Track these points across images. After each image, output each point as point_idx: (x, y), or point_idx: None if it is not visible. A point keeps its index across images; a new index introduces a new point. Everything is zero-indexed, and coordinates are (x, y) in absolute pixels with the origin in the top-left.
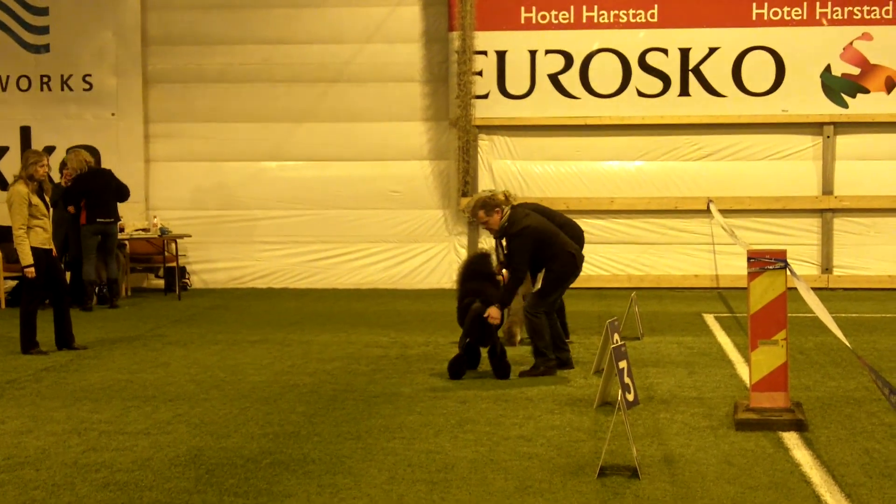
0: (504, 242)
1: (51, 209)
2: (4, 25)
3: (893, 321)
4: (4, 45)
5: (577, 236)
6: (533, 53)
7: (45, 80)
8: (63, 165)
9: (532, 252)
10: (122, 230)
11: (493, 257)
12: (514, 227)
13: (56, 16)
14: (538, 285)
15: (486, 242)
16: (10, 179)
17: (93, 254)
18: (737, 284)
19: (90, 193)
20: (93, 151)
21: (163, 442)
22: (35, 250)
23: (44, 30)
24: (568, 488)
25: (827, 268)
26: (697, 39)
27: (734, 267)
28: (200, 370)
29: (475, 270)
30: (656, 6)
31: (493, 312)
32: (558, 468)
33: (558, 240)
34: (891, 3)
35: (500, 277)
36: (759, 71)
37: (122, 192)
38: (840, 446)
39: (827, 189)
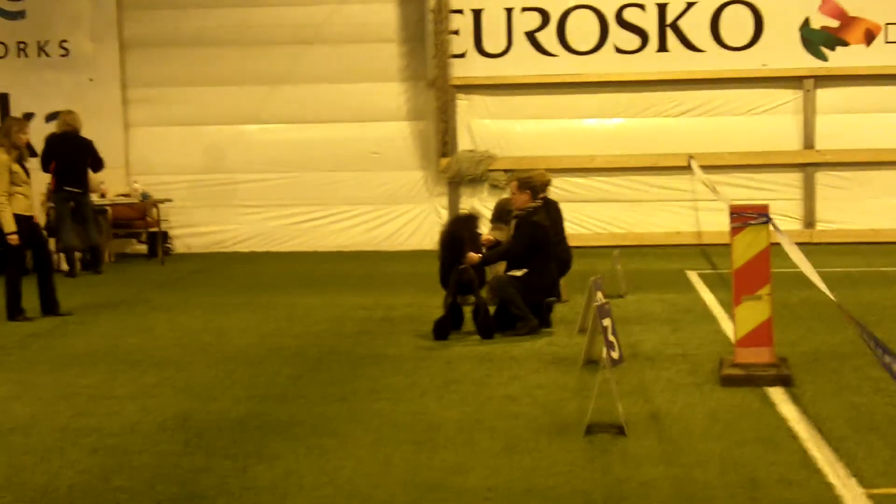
0: (514, 220)
1: (30, 175)
2: None
3: (877, 275)
4: None
5: (565, 261)
6: (509, 11)
7: (22, 46)
8: None
9: (528, 245)
10: (103, 195)
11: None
12: (533, 216)
13: None
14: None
15: (465, 203)
16: None
17: (67, 220)
18: (719, 241)
19: (59, 158)
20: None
21: (150, 406)
22: (17, 217)
23: None
24: (555, 447)
25: (810, 222)
26: None
27: (716, 223)
28: (185, 334)
29: (458, 230)
30: None
31: (472, 256)
32: (544, 427)
33: (550, 257)
34: None
35: (485, 239)
36: (737, 25)
37: (96, 164)
38: (826, 401)
39: (808, 143)
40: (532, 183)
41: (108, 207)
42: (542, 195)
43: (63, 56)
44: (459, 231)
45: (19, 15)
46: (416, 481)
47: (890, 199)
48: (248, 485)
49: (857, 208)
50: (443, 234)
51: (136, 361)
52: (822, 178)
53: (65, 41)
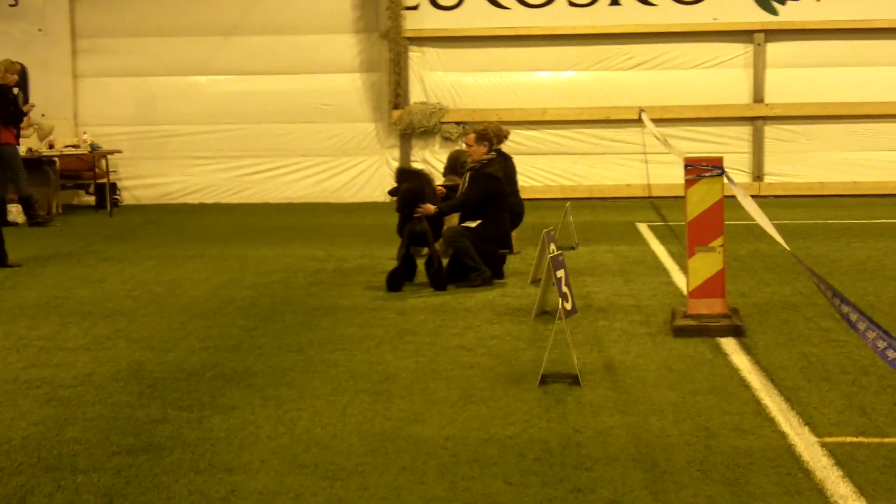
0: (469, 173)
1: None
2: None
3: (824, 227)
4: None
5: (518, 213)
6: None
7: None
8: None
9: (483, 197)
10: (51, 146)
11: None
12: (488, 168)
13: None
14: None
15: (417, 156)
16: None
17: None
18: (669, 193)
19: None
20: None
21: (103, 357)
22: None
23: None
24: (510, 396)
25: (758, 175)
26: None
27: (666, 176)
28: (137, 285)
29: (416, 182)
30: None
31: (427, 208)
32: (500, 377)
33: (504, 208)
34: None
35: (439, 189)
36: None
37: (7, 117)
38: (778, 351)
39: (758, 97)
40: (488, 136)
41: (55, 158)
42: (496, 148)
43: (12, 6)
44: (417, 183)
45: None
46: (373, 431)
47: (837, 153)
48: (203, 435)
49: (805, 161)
50: (399, 184)
51: (87, 313)
52: (770, 131)
53: None
